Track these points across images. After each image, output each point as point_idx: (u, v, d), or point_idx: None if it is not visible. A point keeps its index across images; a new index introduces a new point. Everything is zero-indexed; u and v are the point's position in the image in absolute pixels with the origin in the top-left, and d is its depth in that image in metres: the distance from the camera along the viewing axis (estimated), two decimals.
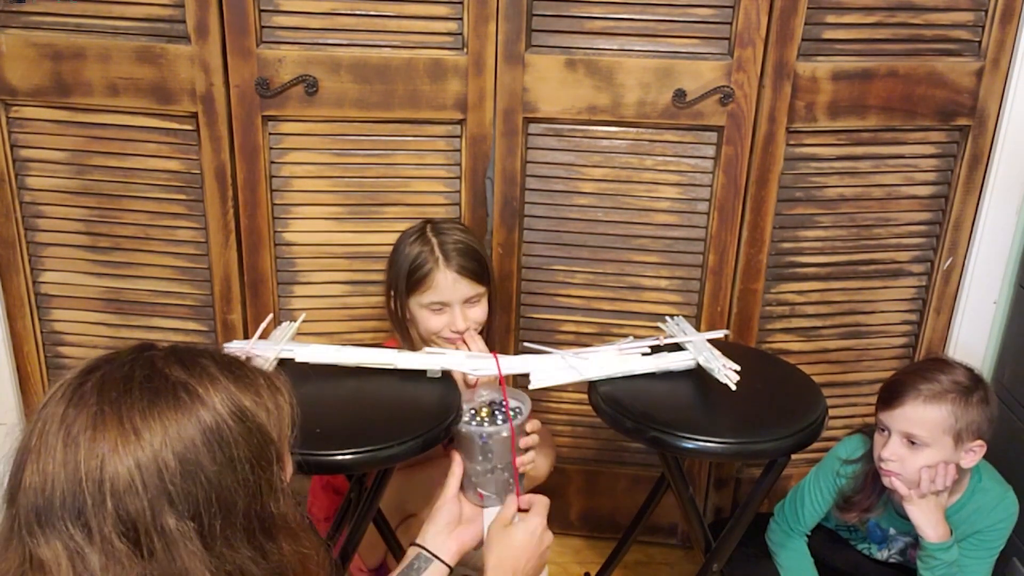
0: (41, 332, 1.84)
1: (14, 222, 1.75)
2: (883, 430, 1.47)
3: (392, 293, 1.57)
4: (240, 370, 0.83)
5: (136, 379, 0.77)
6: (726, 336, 1.49)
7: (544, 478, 1.59)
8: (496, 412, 1.29)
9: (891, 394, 1.45)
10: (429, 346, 1.51)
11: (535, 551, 1.17)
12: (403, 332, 1.58)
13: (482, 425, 1.26)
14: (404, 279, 1.53)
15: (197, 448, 0.75)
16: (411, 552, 1.18)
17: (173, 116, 1.67)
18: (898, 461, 1.44)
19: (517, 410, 1.31)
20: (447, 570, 1.16)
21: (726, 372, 1.33)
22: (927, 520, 1.46)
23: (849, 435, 1.62)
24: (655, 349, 1.42)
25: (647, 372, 1.38)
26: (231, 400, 0.79)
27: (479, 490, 1.25)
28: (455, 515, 1.21)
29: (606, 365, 1.38)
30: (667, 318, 1.53)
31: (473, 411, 1.29)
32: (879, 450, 1.47)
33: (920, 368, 1.49)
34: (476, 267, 1.53)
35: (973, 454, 1.45)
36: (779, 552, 1.62)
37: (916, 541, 1.50)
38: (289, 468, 0.88)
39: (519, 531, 1.17)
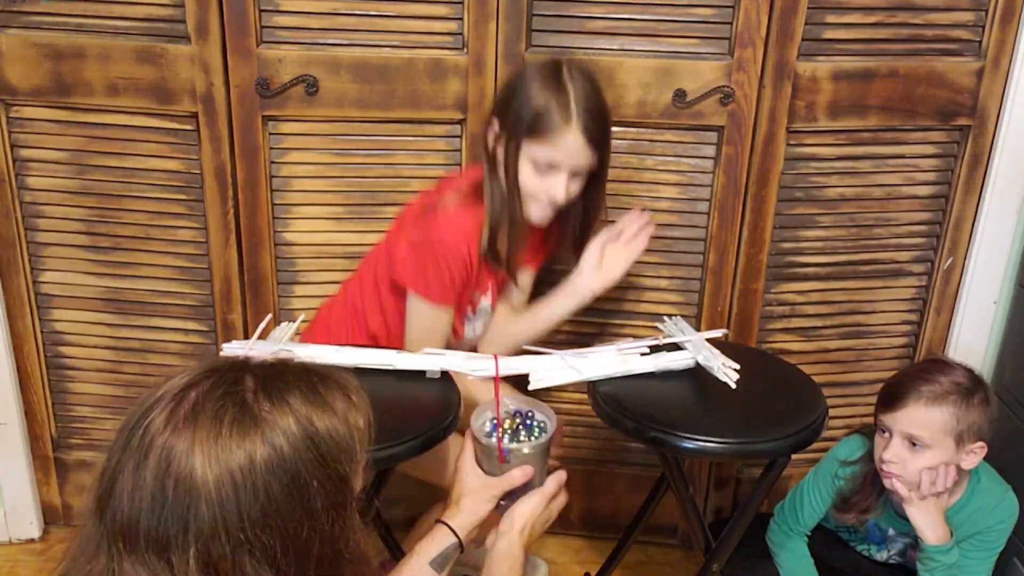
0: (41, 332, 1.84)
1: (14, 222, 1.75)
2: (884, 431, 1.47)
3: (497, 125, 1.43)
4: (320, 397, 0.82)
5: (227, 419, 0.77)
6: (725, 336, 1.48)
7: None
8: (520, 427, 1.25)
9: (892, 396, 1.45)
10: (519, 195, 1.43)
11: (544, 523, 1.23)
12: (491, 167, 1.45)
13: (504, 437, 1.22)
14: (523, 123, 1.39)
15: (279, 500, 0.77)
16: (443, 533, 1.17)
17: (173, 116, 1.67)
18: (899, 463, 1.44)
19: (542, 425, 1.26)
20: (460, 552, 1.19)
21: (725, 370, 1.33)
22: (927, 522, 1.46)
23: (848, 435, 1.62)
24: (654, 349, 1.42)
25: (647, 372, 1.38)
26: (312, 442, 0.79)
27: (499, 500, 1.21)
28: (488, 511, 1.21)
29: (606, 365, 1.38)
30: (665, 318, 1.53)
31: (495, 422, 1.24)
32: (880, 452, 1.46)
33: (921, 369, 1.49)
34: (601, 134, 1.41)
35: (974, 455, 1.45)
36: (779, 553, 1.62)
37: (916, 542, 1.50)
38: (359, 485, 0.88)
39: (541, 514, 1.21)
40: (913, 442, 1.43)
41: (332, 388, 0.84)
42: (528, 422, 1.27)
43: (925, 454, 1.42)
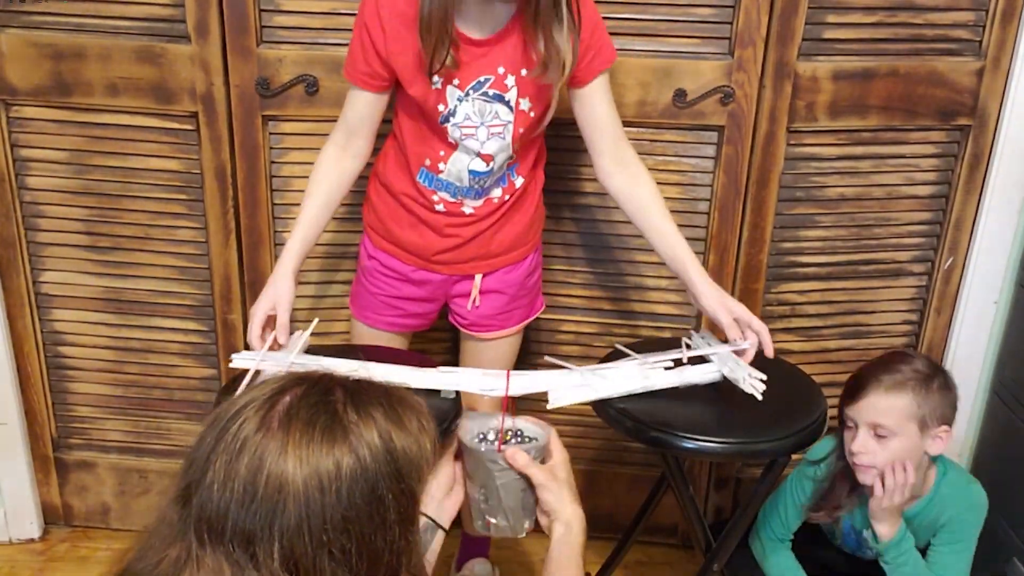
0: (41, 332, 1.84)
1: (14, 222, 1.75)
2: (850, 425, 1.48)
3: None
4: (398, 415, 0.86)
5: (319, 426, 0.81)
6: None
7: None
8: (512, 439, 1.21)
9: (854, 388, 1.48)
10: None
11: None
12: None
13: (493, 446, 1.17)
14: None
15: (359, 507, 0.81)
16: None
17: (173, 116, 1.67)
18: (869, 454, 1.45)
19: (527, 437, 1.21)
20: (444, 535, 1.16)
21: (752, 382, 1.31)
22: (886, 518, 1.48)
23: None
24: (677, 363, 1.38)
25: (670, 387, 1.34)
26: (391, 456, 0.83)
27: (487, 518, 1.17)
28: (450, 481, 1.18)
29: (627, 382, 1.33)
30: (692, 333, 1.50)
31: (482, 435, 1.21)
32: (849, 444, 1.48)
33: (880, 361, 1.52)
34: None
35: (940, 440, 1.47)
36: (764, 561, 1.61)
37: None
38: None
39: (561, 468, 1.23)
40: (879, 432, 1.44)
41: (408, 409, 0.88)
42: (518, 434, 1.22)
43: (892, 442, 1.44)
